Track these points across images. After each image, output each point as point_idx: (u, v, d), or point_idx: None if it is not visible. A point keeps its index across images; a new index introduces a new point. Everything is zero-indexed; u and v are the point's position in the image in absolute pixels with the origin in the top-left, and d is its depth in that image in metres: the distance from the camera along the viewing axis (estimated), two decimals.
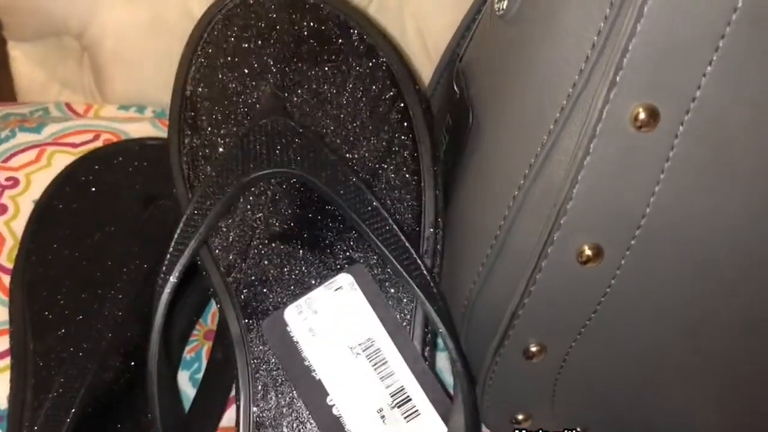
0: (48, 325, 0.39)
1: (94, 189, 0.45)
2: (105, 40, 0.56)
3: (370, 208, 0.31)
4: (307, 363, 0.31)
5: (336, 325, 0.32)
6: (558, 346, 0.32)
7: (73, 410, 0.34)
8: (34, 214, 0.44)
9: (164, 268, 0.32)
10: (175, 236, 0.33)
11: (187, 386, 0.40)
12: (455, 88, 0.34)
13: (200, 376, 0.40)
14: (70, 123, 0.50)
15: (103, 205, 0.45)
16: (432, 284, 0.31)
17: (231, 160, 0.32)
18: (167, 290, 0.32)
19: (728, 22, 0.25)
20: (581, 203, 0.28)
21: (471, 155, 0.33)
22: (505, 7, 0.30)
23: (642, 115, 0.27)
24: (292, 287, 0.33)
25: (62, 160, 0.47)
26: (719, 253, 0.29)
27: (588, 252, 0.29)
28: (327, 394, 0.31)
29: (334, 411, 0.31)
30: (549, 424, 0.37)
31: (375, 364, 0.31)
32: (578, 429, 0.38)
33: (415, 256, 0.31)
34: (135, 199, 0.45)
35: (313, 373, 0.31)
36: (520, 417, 0.36)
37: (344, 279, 0.32)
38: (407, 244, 0.31)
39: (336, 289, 0.32)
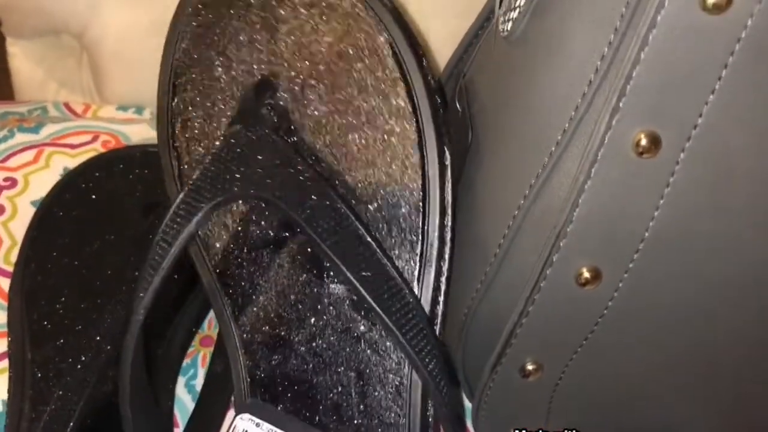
0: (47, 334, 0.39)
1: (94, 196, 0.45)
2: (105, 40, 0.56)
3: (365, 264, 0.29)
4: None
5: None
6: (554, 364, 0.32)
7: (72, 423, 0.34)
8: (35, 221, 0.44)
9: (135, 301, 0.31)
10: (147, 260, 0.31)
11: (182, 392, 0.40)
12: (457, 105, 0.34)
13: (196, 382, 0.40)
14: (68, 123, 0.50)
15: (103, 212, 0.45)
16: (437, 372, 0.29)
17: (203, 179, 0.30)
18: (133, 331, 0.31)
19: (731, 52, 0.25)
20: (581, 226, 0.28)
21: (471, 174, 0.33)
22: (509, 28, 0.30)
23: (644, 141, 0.27)
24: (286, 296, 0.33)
25: (61, 161, 0.47)
26: (717, 276, 0.30)
27: (586, 274, 0.29)
28: None
29: None
30: None
31: None
32: None
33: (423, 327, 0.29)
34: (136, 206, 0.45)
35: None
36: None
37: (243, 422, 0.32)
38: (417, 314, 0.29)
39: None
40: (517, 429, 0.36)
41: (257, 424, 0.32)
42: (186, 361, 0.41)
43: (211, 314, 0.43)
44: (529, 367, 0.32)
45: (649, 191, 0.27)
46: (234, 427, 0.32)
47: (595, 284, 0.29)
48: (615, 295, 0.29)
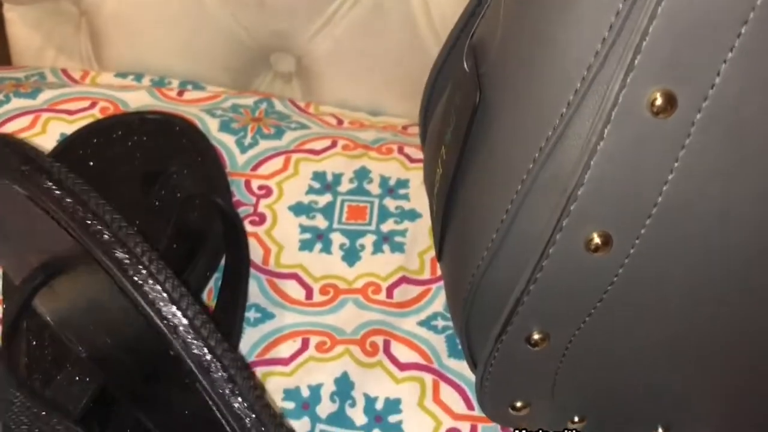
0: None
1: (92, 163, 0.44)
2: (105, 3, 0.55)
3: None
4: None
5: None
6: (561, 334, 0.31)
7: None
8: None
9: None
10: None
11: None
12: (465, 65, 0.32)
13: None
14: (66, 90, 0.49)
15: (101, 179, 0.44)
16: None
17: None
18: None
19: (753, 7, 0.24)
20: (592, 190, 0.27)
21: (478, 136, 0.32)
22: None
23: (659, 101, 0.26)
24: None
25: (57, 127, 0.46)
26: (732, 242, 0.29)
27: (597, 240, 0.28)
28: None
29: None
30: (547, 411, 0.36)
31: None
32: (576, 418, 0.37)
33: None
34: (135, 174, 0.44)
35: None
36: (519, 404, 0.35)
37: None
38: None
39: None
40: (521, 401, 0.35)
41: None
42: None
43: (211, 283, 0.42)
44: (536, 336, 0.31)
45: (663, 153, 0.26)
46: None
47: (605, 251, 0.28)
48: (626, 262, 0.29)
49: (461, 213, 0.34)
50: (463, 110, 0.32)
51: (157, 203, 0.37)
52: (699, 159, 0.27)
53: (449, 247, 0.35)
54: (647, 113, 0.26)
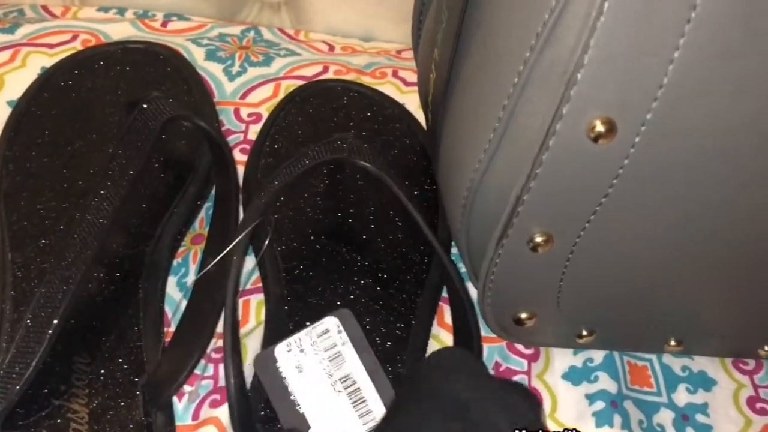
0: (27, 235, 0.38)
1: (74, 94, 0.43)
2: None
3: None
4: (292, 398, 0.33)
5: (321, 365, 0.34)
6: (565, 235, 0.30)
7: (55, 321, 0.32)
8: (11, 121, 0.42)
9: None
10: None
11: (174, 291, 0.38)
12: None
13: (187, 280, 0.38)
14: (46, 23, 0.47)
15: (84, 111, 0.42)
16: None
17: None
18: None
19: None
20: (593, 71, 0.25)
21: (471, 30, 0.30)
22: None
23: None
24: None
25: (38, 60, 0.45)
26: (742, 128, 0.27)
27: (600, 127, 0.26)
28: (309, 427, 0.32)
29: None
30: (554, 324, 0.35)
31: (354, 402, 0.33)
32: (585, 331, 0.36)
33: None
34: (118, 104, 0.43)
35: (297, 407, 0.33)
36: (524, 315, 0.34)
37: (331, 322, 0.34)
38: None
39: (323, 332, 0.34)
40: (526, 312, 0.34)
41: (339, 332, 0.34)
42: (177, 261, 0.39)
43: (202, 213, 0.41)
44: (538, 239, 0.30)
45: (669, 26, 0.24)
46: (321, 324, 0.34)
47: (609, 138, 0.26)
48: (631, 152, 0.27)
49: (456, 116, 0.32)
50: (454, 3, 0.30)
51: (133, 132, 0.36)
52: (710, 34, 0.25)
53: (444, 155, 0.33)
54: None
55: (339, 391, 0.33)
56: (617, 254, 0.31)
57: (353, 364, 0.34)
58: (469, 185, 0.31)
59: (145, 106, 0.37)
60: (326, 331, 0.34)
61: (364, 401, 0.33)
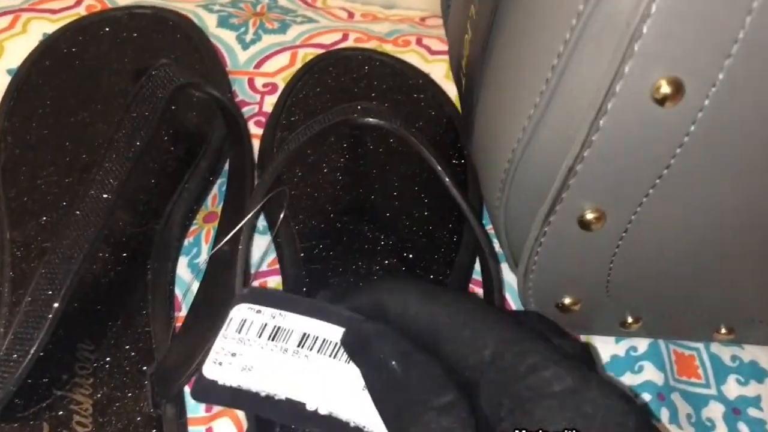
0: (27, 212, 0.35)
1: (78, 62, 0.40)
2: None
3: None
4: (271, 396, 0.27)
5: (266, 350, 0.27)
6: (620, 211, 0.27)
7: (56, 305, 0.29)
8: (11, 90, 0.39)
9: None
10: None
11: (185, 273, 0.35)
12: None
13: (199, 261, 0.36)
14: None
15: (89, 80, 0.40)
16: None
17: None
18: None
19: None
20: (662, 21, 0.22)
21: None
22: None
23: None
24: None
25: (40, 26, 0.42)
26: None
27: (666, 88, 0.23)
28: (316, 407, 0.26)
29: (322, 412, 0.26)
30: (598, 310, 0.32)
31: (332, 355, 0.27)
32: (630, 319, 0.33)
33: None
34: (125, 73, 0.40)
35: (285, 401, 0.27)
36: (568, 301, 0.31)
37: (238, 312, 0.28)
38: None
39: (240, 324, 0.28)
40: (570, 298, 0.31)
41: (258, 311, 0.28)
42: (188, 240, 0.36)
43: (215, 190, 0.38)
44: (590, 215, 0.27)
45: None
46: (231, 320, 0.28)
47: (675, 101, 0.23)
48: (699, 116, 0.24)
49: (496, 81, 0.29)
50: None
51: (139, 102, 0.33)
52: None
53: (481, 124, 0.31)
54: None
55: (307, 356, 0.27)
56: (673, 232, 0.28)
57: (298, 325, 0.27)
58: (511, 156, 0.28)
59: (153, 73, 0.34)
60: (243, 321, 0.28)
61: (340, 348, 0.27)
